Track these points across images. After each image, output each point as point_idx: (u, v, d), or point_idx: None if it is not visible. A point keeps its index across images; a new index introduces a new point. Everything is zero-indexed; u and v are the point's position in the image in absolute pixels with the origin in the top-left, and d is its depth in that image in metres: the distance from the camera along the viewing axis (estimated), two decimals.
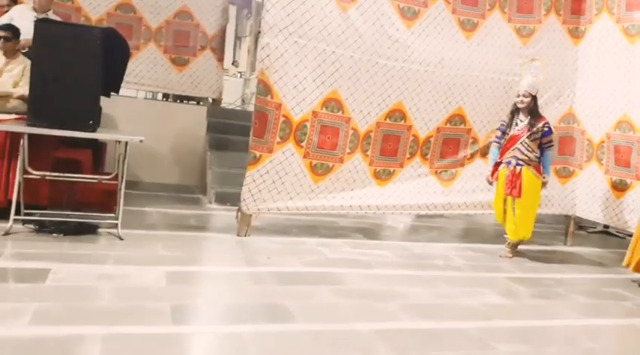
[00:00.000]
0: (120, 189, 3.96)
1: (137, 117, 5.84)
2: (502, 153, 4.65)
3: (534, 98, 4.58)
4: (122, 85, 4.36)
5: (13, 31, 4.28)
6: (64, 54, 3.66)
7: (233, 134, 6.34)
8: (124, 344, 2.28)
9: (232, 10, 9.91)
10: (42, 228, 3.83)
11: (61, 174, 3.98)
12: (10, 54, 4.32)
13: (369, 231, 5.24)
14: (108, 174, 4.27)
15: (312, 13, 4.34)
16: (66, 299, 2.69)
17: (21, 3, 5.28)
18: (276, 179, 4.42)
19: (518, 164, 4.53)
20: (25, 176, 3.81)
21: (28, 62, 4.08)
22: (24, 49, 4.48)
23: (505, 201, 4.64)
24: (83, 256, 3.39)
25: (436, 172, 5.14)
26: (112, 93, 4.27)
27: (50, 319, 2.44)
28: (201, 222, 4.87)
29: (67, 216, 3.97)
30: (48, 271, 3.02)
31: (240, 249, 4.09)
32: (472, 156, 5.25)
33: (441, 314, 3.10)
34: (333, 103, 4.55)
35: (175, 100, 7.63)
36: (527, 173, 4.52)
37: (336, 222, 5.36)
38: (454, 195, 5.15)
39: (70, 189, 4.18)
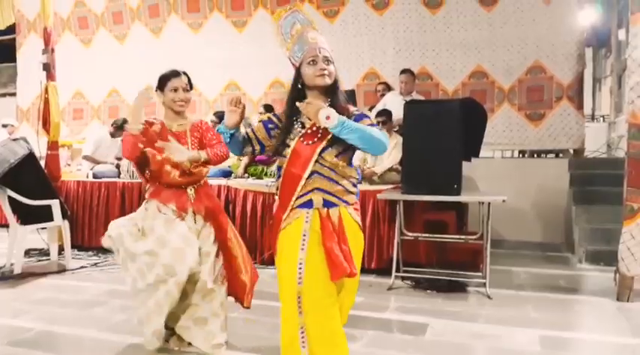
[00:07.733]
0: (485, 248, 4.08)
1: (496, 176, 5.95)
2: (283, 191, 2.20)
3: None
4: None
5: (387, 115, 5.14)
6: (429, 128, 4.10)
7: (600, 185, 5.75)
8: None
9: (588, 53, 9.23)
10: (418, 284, 4.26)
11: (431, 235, 4.38)
12: (387, 133, 5.12)
13: None
14: (472, 233, 4.45)
15: None
16: (444, 353, 2.88)
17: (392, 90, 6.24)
18: None
19: (328, 204, 2.16)
20: (402, 237, 4.34)
21: (400, 138, 4.74)
22: (395, 128, 5.28)
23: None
24: (456, 313, 3.59)
25: None
26: (472, 157, 4.51)
27: None
28: (572, 283, 4.51)
29: (439, 273, 4.30)
30: (426, 325, 3.32)
31: (623, 317, 3.60)
32: None
33: None
34: None
35: (532, 155, 7.48)
36: (349, 219, 2.18)
37: None
38: None
39: (439, 248, 4.53)
